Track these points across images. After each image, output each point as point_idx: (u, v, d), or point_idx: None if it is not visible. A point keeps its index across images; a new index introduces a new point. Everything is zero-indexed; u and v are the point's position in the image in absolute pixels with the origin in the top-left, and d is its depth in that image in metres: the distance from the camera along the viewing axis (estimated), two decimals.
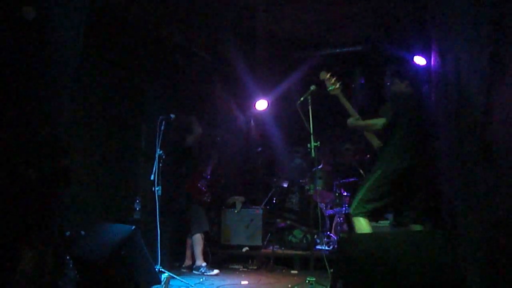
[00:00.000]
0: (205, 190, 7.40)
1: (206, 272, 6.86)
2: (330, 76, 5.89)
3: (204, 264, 6.97)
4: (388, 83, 6.06)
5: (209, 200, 7.47)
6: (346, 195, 8.28)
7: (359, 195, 5.59)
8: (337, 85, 5.85)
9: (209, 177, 7.56)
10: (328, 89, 5.87)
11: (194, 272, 6.93)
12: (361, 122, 5.79)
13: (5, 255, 3.85)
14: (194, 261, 7.22)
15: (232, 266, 7.70)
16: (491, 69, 4.31)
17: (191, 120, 7.44)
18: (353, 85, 10.24)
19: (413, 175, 5.49)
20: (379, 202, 5.50)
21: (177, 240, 7.36)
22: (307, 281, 5.60)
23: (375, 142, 5.99)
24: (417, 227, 5.48)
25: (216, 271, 6.95)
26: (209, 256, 7.34)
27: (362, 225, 5.49)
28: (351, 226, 8.17)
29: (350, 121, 5.84)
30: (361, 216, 5.50)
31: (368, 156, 8.35)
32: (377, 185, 5.51)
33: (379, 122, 5.60)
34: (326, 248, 7.78)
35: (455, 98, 4.84)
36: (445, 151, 5.45)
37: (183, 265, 7.28)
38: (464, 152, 4.62)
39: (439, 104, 5.67)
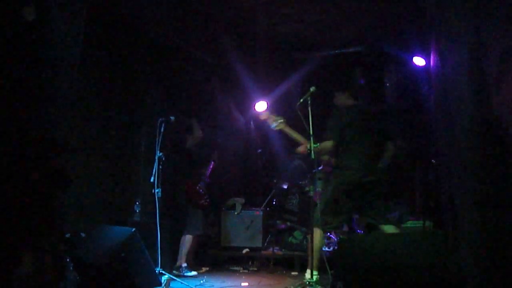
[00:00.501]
0: (203, 192, 7.38)
1: (185, 273, 6.88)
2: (271, 114, 6.09)
3: (185, 264, 7.00)
4: (333, 99, 6.31)
5: (206, 203, 7.42)
6: None
7: (320, 208, 5.83)
8: (281, 120, 6.02)
9: (208, 180, 7.55)
10: (272, 127, 6.04)
11: (174, 272, 6.89)
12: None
13: (4, 258, 3.85)
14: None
15: (232, 268, 7.70)
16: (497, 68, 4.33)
17: (191, 123, 7.44)
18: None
19: (370, 183, 5.71)
20: (336, 213, 5.79)
21: (177, 242, 7.36)
22: (307, 283, 5.58)
23: (327, 158, 6.44)
24: (389, 228, 5.66)
25: (194, 273, 6.98)
26: (190, 258, 7.28)
27: (316, 237, 5.75)
28: (351, 227, 8.19)
29: (299, 150, 6.07)
30: (319, 228, 5.77)
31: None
32: (333, 198, 5.79)
33: (328, 144, 5.79)
34: (327, 249, 7.77)
35: (455, 99, 4.84)
36: (445, 152, 5.45)
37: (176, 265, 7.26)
38: (464, 152, 4.62)
39: (439, 105, 5.67)
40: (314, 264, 5.67)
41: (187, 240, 7.10)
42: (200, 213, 7.31)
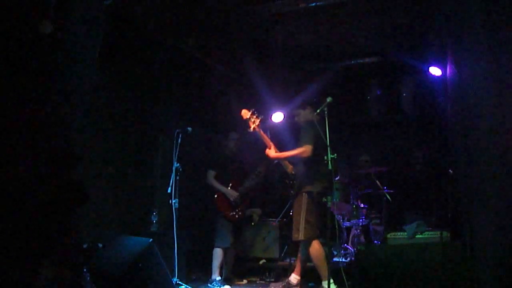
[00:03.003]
0: (235, 205, 7.16)
1: (217, 286, 6.79)
2: (251, 114, 6.46)
3: (218, 278, 6.87)
4: (295, 118, 6.60)
5: (237, 216, 7.20)
6: (363, 206, 8.24)
7: (302, 221, 6.07)
8: (257, 122, 6.44)
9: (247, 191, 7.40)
10: (251, 128, 6.47)
11: (208, 285, 6.87)
12: (288, 153, 6.28)
13: (22, 269, 3.88)
14: (231, 273, 7.36)
15: (249, 279, 7.68)
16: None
17: (228, 135, 7.43)
18: (368, 97, 10.23)
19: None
20: (317, 222, 6.10)
21: (195, 253, 7.37)
22: None
23: (289, 168, 6.52)
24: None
25: (227, 287, 6.86)
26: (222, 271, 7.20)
27: (316, 248, 6.06)
28: (368, 238, 8.15)
29: (273, 154, 6.36)
30: (314, 240, 6.06)
31: (385, 167, 8.33)
32: (311, 207, 6.08)
33: (307, 149, 5.98)
34: (343, 260, 7.73)
35: (472, 109, 4.82)
36: (462, 162, 5.42)
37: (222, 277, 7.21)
38: (481, 161, 4.59)
39: (456, 115, 5.65)
40: (326, 274, 5.77)
41: (217, 253, 6.98)
42: (228, 225, 7.10)
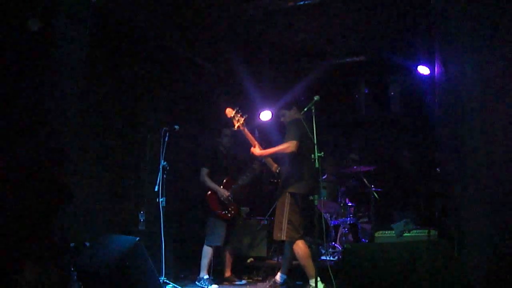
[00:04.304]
0: (228, 203, 7.00)
1: (204, 285, 6.73)
2: (235, 113, 6.40)
3: (206, 276, 6.80)
4: (281, 118, 6.51)
5: (230, 215, 7.03)
6: (351, 205, 8.25)
7: (284, 222, 6.07)
8: (242, 121, 6.38)
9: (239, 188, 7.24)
10: (235, 126, 6.40)
11: (196, 283, 6.83)
12: (272, 149, 6.19)
13: (7, 268, 3.85)
14: (231, 272, 7.28)
15: (237, 277, 7.66)
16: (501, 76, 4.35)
17: (222, 132, 7.32)
18: (356, 96, 10.25)
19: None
20: (300, 223, 6.07)
21: (182, 251, 7.33)
22: None
23: (273, 167, 6.47)
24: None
25: (215, 286, 6.76)
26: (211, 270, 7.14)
27: (301, 247, 5.99)
28: (356, 237, 8.16)
29: (257, 151, 6.29)
30: (299, 240, 6.01)
31: (373, 166, 8.35)
32: (294, 208, 6.04)
33: (292, 144, 5.90)
34: (331, 258, 7.74)
35: (459, 107, 4.84)
36: (450, 160, 5.45)
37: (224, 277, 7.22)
38: (468, 160, 4.61)
39: (443, 114, 5.67)
40: (313, 273, 5.76)
41: (206, 251, 6.87)
42: (221, 224, 6.95)
